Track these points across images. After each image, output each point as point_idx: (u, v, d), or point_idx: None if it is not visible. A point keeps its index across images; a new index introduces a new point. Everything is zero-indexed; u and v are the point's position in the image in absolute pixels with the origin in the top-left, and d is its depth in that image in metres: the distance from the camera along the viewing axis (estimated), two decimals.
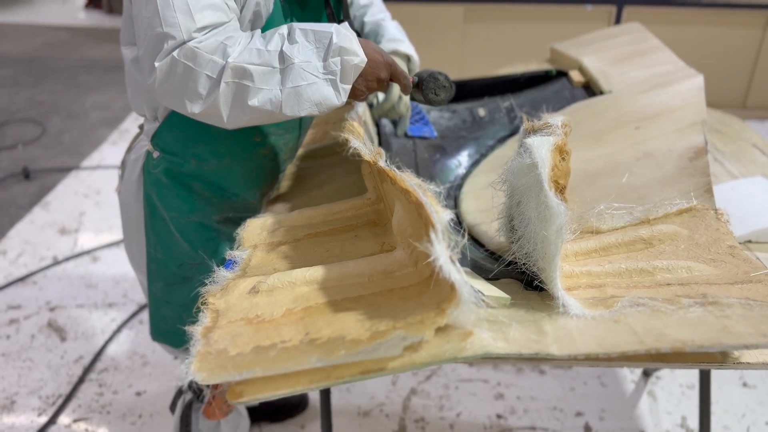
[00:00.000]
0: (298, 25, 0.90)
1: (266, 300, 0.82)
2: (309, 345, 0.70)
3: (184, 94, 0.88)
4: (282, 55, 0.87)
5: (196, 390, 1.19)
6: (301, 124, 1.22)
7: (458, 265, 0.67)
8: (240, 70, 0.86)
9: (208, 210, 1.14)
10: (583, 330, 0.73)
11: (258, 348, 0.71)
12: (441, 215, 0.69)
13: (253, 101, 0.87)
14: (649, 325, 0.72)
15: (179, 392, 1.18)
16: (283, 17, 1.02)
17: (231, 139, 1.11)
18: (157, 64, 0.86)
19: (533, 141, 0.78)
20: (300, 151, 1.37)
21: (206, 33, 0.87)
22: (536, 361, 0.73)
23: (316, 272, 0.85)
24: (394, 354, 0.67)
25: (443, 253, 0.66)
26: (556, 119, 0.84)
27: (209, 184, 1.14)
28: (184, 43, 0.85)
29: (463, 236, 0.71)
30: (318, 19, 1.12)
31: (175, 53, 0.85)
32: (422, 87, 1.11)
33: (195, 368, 0.67)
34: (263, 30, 0.96)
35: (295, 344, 0.71)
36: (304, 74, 0.87)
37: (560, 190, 0.75)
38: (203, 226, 1.16)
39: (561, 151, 0.76)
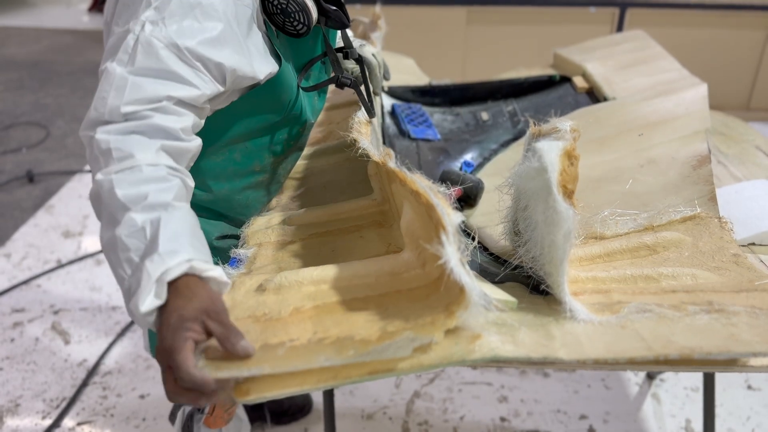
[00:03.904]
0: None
1: (273, 298, 0.82)
2: (318, 344, 0.70)
3: None
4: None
5: None
6: (303, 143, 1.20)
7: (468, 267, 0.68)
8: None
9: (208, 230, 1.10)
10: (591, 335, 0.74)
11: (266, 346, 0.71)
12: (452, 217, 0.69)
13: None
14: (656, 331, 0.72)
15: (178, 403, 1.18)
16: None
17: (231, 171, 1.08)
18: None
19: (542, 145, 0.78)
20: (306, 151, 1.36)
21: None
22: (542, 365, 0.74)
23: (324, 272, 0.85)
24: (403, 355, 0.67)
25: (454, 255, 0.66)
26: (564, 124, 0.84)
27: (207, 210, 1.11)
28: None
29: (473, 239, 0.71)
30: (314, 49, 1.12)
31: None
32: (472, 196, 1.24)
33: (202, 363, 0.67)
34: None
35: (303, 343, 0.71)
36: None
37: (568, 194, 0.75)
38: None
39: (570, 156, 0.77)
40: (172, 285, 0.70)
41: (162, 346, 0.68)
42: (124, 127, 0.79)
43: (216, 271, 0.73)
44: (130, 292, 0.71)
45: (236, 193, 1.11)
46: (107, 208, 0.76)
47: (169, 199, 0.75)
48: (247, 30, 0.94)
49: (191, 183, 0.85)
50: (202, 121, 0.91)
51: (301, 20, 0.99)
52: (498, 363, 0.72)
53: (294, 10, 0.97)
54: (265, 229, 1.09)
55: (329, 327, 0.74)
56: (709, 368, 0.83)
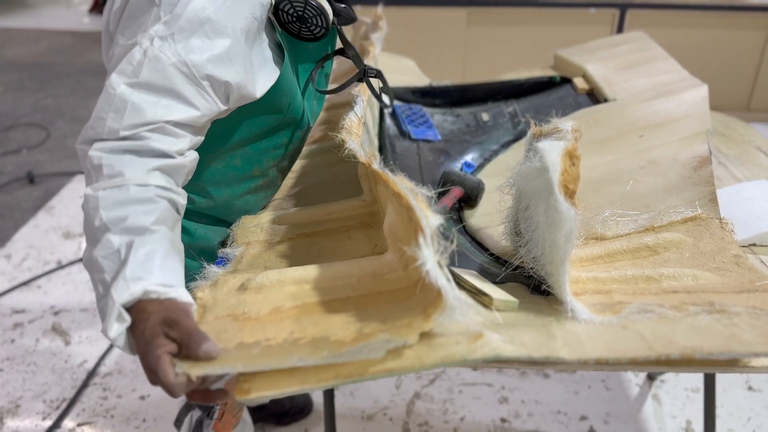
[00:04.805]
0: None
1: (254, 297, 0.82)
2: (292, 344, 0.71)
3: None
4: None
5: (205, 406, 1.18)
6: (301, 146, 1.20)
7: (446, 270, 0.68)
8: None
9: (209, 236, 1.12)
10: (592, 335, 0.74)
11: (241, 345, 0.72)
12: (430, 220, 0.69)
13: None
14: (657, 331, 0.72)
15: (185, 409, 1.18)
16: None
17: (231, 177, 1.07)
18: None
19: (544, 145, 0.78)
20: (303, 150, 1.36)
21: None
22: (543, 365, 0.74)
23: (306, 272, 0.85)
24: (376, 357, 0.67)
25: (430, 258, 0.66)
26: (565, 124, 0.85)
27: (207, 216, 1.11)
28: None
29: (453, 241, 0.70)
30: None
31: None
32: (472, 198, 1.25)
33: (179, 368, 0.68)
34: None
35: (278, 342, 0.72)
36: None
37: (570, 195, 0.76)
38: (204, 251, 1.13)
39: (571, 156, 0.77)
40: (133, 312, 0.71)
41: (145, 369, 0.70)
42: (118, 145, 0.80)
43: (176, 292, 0.73)
44: (102, 315, 0.72)
45: (236, 198, 1.11)
46: (90, 226, 0.77)
47: (148, 223, 0.76)
48: (252, 43, 0.93)
49: (182, 201, 0.85)
50: (202, 137, 0.91)
51: (320, 23, 0.98)
52: (499, 363, 0.72)
53: (311, 15, 0.96)
54: (254, 227, 1.09)
55: (306, 327, 0.74)
56: (710, 369, 0.83)
